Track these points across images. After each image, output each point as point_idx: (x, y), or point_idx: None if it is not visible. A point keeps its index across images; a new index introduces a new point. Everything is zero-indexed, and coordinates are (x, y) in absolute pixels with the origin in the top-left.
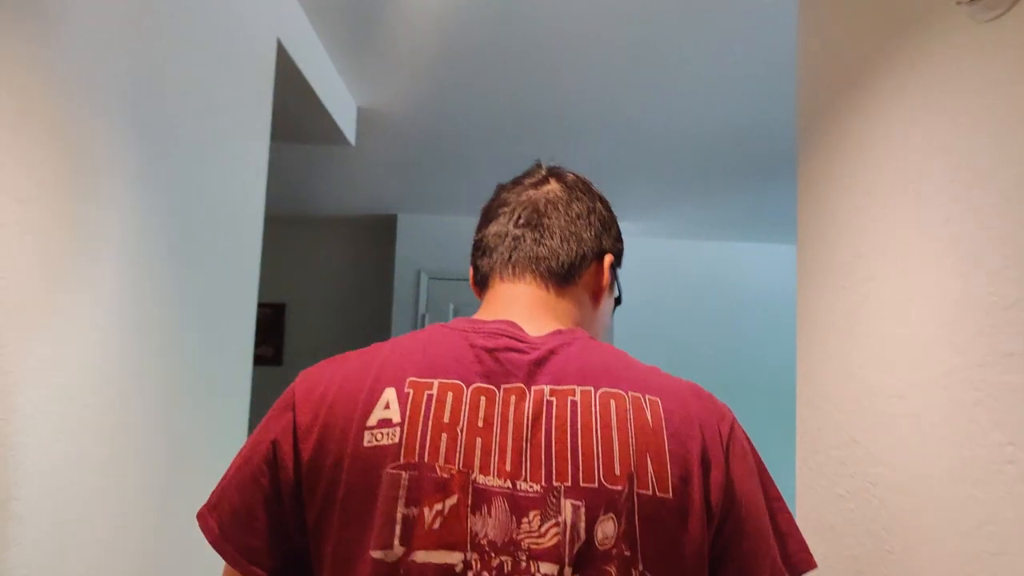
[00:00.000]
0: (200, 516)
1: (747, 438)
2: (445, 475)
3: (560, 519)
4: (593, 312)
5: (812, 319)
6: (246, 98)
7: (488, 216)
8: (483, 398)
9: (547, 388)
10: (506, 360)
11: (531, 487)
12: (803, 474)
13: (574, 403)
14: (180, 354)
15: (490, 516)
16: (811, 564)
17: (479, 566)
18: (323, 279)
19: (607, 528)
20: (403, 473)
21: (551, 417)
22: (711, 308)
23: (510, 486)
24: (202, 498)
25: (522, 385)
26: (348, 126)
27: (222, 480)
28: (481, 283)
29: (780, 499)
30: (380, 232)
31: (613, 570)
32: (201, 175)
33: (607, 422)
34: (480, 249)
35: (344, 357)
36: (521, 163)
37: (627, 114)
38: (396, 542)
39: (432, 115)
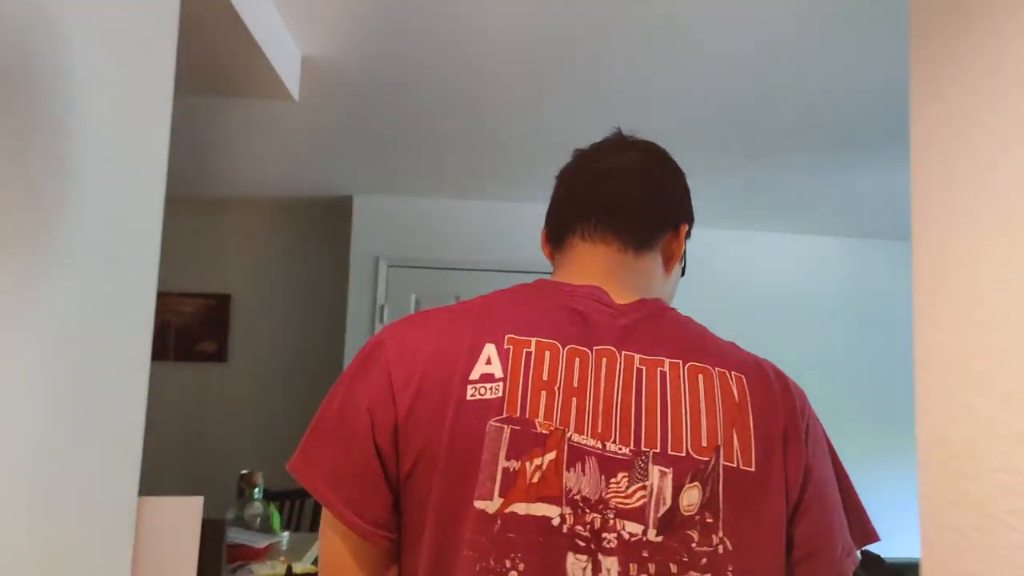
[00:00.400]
0: (296, 470)
1: (819, 420)
2: (544, 431)
3: (648, 483)
4: (665, 279)
5: (945, 277)
6: (137, 33)
7: (568, 178)
8: (577, 359)
9: (637, 356)
10: (597, 324)
11: (620, 449)
12: (933, 509)
13: (663, 374)
14: (47, 357)
15: (584, 474)
16: (877, 537)
17: (572, 520)
18: (272, 267)
19: (692, 496)
20: (505, 427)
21: (641, 385)
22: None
23: (601, 446)
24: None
25: (613, 348)
26: (291, 77)
27: (314, 432)
28: (557, 240)
29: (848, 478)
30: (334, 215)
31: (695, 535)
32: (65, 131)
33: (695, 395)
34: (558, 208)
35: (428, 314)
36: (495, 136)
37: (619, 77)
38: (496, 493)
39: (392, 72)
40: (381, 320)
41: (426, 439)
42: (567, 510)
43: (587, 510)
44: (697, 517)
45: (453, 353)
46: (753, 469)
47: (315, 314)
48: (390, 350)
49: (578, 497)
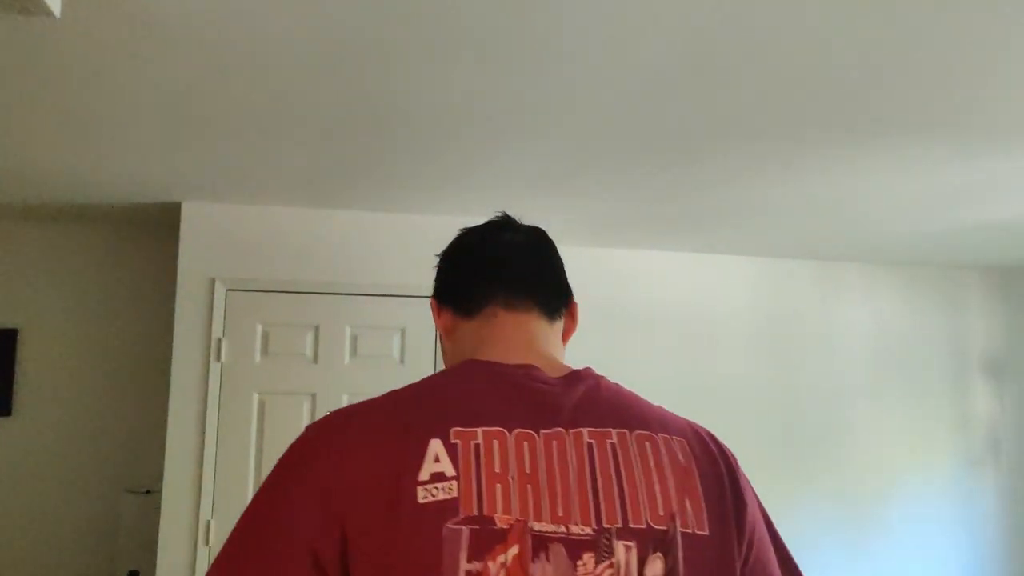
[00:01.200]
0: None
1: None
2: (505, 526)
3: (614, 560)
4: (562, 347)
5: None
6: None
7: (468, 251)
8: (526, 444)
9: (586, 431)
10: (541, 405)
11: (582, 530)
12: None
13: (613, 446)
14: None
15: (548, 562)
16: None
17: None
18: (73, 294)
19: (656, 567)
20: (464, 528)
21: (594, 461)
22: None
23: (564, 530)
24: None
25: (562, 429)
26: None
27: (231, 559)
28: (470, 311)
29: (775, 528)
30: (156, 226)
31: None
32: None
33: (646, 464)
34: (468, 278)
35: (357, 408)
36: (369, 117)
37: (517, 43)
38: None
39: (222, 10)
40: (218, 359)
41: (379, 551)
42: None
43: None
44: None
45: (397, 453)
46: (707, 533)
47: (131, 352)
48: (323, 452)
49: None
